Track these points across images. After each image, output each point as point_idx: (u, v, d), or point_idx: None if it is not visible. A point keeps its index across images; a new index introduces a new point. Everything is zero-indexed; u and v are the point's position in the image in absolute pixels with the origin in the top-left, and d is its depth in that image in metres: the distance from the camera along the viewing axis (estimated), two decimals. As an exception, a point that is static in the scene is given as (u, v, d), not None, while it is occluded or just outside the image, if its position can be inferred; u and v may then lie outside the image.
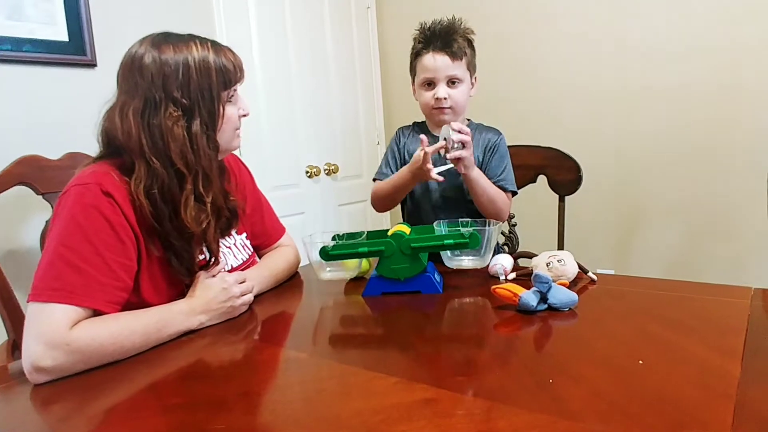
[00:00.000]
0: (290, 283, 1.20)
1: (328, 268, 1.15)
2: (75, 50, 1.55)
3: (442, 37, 1.27)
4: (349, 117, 2.55)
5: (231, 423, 0.60)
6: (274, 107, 2.17)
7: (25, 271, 1.31)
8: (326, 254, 1.04)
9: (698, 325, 0.80)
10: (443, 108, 1.29)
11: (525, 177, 1.59)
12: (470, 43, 1.31)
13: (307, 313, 1.04)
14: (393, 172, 1.38)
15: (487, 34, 2.42)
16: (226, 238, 1.07)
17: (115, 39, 1.63)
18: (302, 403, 0.64)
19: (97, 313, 0.82)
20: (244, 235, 1.14)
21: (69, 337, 0.76)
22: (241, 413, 0.62)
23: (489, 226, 1.08)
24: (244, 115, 1.01)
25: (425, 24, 1.31)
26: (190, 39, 0.92)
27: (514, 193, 1.36)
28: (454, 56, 1.26)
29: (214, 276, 0.96)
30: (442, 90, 1.27)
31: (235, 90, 0.97)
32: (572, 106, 2.24)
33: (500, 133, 1.38)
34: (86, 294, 0.80)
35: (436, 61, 1.26)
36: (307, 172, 2.32)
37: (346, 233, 1.15)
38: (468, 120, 1.40)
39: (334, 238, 1.12)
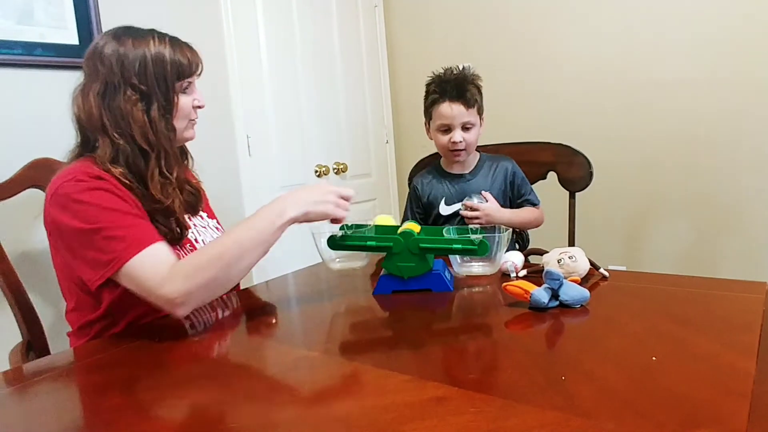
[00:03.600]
0: (301, 281, 1.20)
1: (337, 259, 1.15)
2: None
3: (457, 87, 1.41)
4: (358, 116, 2.55)
5: (242, 422, 0.60)
6: (282, 106, 2.18)
7: (38, 273, 1.33)
8: (334, 243, 1.05)
9: (712, 321, 0.79)
10: (459, 150, 1.44)
11: (535, 174, 1.58)
12: (479, 89, 1.45)
13: (318, 311, 1.04)
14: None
15: (494, 32, 2.42)
16: (199, 218, 1.14)
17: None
18: (314, 401, 0.64)
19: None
20: (215, 221, 1.21)
21: (174, 267, 0.87)
22: (253, 412, 0.62)
23: (498, 232, 1.07)
24: (199, 106, 1.07)
25: (439, 73, 1.46)
26: (148, 34, 0.99)
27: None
28: (468, 105, 1.41)
29: None
30: (457, 135, 1.42)
31: (189, 82, 1.03)
32: (582, 103, 2.22)
33: (511, 159, 1.53)
34: (139, 239, 0.88)
35: (452, 110, 1.41)
36: (316, 172, 2.32)
37: (354, 224, 1.15)
38: (479, 153, 1.54)
39: (342, 228, 1.12)
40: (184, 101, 1.02)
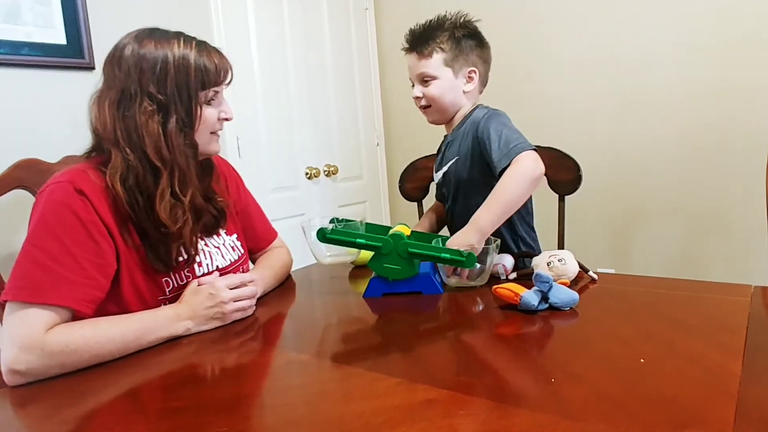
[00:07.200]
0: (291, 284, 1.20)
1: (328, 253, 1.14)
2: (73, 53, 1.55)
3: (416, 38, 1.25)
4: (348, 118, 2.55)
5: (233, 425, 0.59)
6: (273, 109, 2.18)
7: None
8: (324, 236, 1.03)
9: (699, 323, 0.80)
10: (423, 107, 1.29)
11: (524, 177, 1.58)
12: (457, 38, 1.23)
13: (308, 314, 1.04)
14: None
15: (485, 36, 2.43)
16: (215, 237, 1.05)
17: (113, 42, 1.62)
18: (304, 405, 0.64)
19: (76, 316, 0.82)
20: (235, 236, 1.12)
21: (43, 342, 0.76)
22: (243, 416, 0.62)
23: (489, 243, 1.05)
24: (226, 119, 0.98)
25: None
26: (174, 36, 0.91)
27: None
28: (421, 55, 1.24)
29: (204, 282, 0.94)
30: (416, 89, 1.27)
31: (215, 92, 0.95)
32: (571, 107, 2.24)
33: (487, 109, 1.25)
34: (54, 291, 0.79)
35: (408, 62, 1.28)
36: (306, 174, 2.32)
37: (345, 219, 1.15)
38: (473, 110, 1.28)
39: (332, 221, 1.12)
40: (208, 113, 0.93)
